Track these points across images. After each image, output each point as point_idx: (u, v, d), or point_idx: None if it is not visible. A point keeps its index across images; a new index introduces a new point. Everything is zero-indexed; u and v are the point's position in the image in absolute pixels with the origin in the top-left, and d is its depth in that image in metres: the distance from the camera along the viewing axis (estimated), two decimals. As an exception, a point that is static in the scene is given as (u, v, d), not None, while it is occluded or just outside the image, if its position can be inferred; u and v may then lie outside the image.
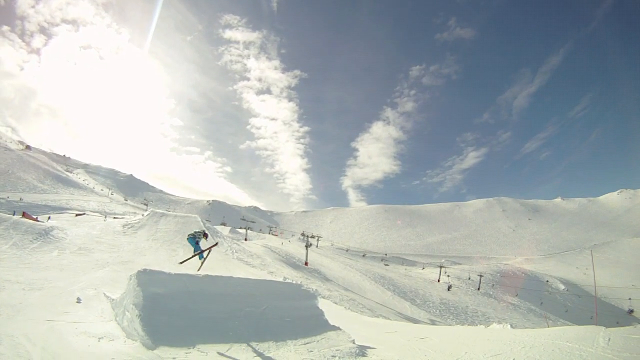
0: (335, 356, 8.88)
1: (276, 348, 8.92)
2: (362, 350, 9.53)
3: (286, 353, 8.74)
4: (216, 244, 17.27)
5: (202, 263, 15.94)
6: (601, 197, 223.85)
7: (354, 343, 9.87)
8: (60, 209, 64.19)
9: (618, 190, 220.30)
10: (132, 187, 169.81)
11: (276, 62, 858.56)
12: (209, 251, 15.89)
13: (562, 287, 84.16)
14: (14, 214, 37.56)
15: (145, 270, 10.14)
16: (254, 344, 8.90)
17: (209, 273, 11.15)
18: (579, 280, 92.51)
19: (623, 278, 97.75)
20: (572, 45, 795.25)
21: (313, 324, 10.79)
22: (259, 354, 8.50)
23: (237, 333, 9.23)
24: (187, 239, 15.97)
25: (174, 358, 7.87)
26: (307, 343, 9.48)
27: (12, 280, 14.99)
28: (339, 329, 10.88)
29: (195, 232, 16.24)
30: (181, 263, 16.62)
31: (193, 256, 15.87)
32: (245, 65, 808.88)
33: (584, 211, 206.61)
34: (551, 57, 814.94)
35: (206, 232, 16.91)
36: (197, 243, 15.71)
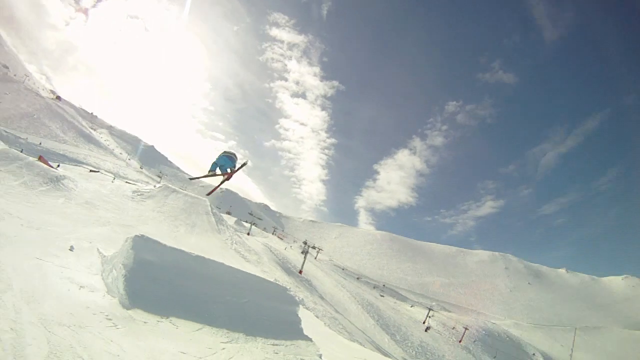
0: (298, 363, 8.95)
1: (245, 341, 9.01)
2: (327, 365, 9.56)
3: (252, 348, 8.83)
4: (245, 163, 14.27)
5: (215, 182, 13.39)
6: (605, 279, 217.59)
7: (320, 358, 9.88)
8: (76, 162, 65.25)
9: (623, 276, 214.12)
10: (150, 158, 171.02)
11: (316, 69, 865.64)
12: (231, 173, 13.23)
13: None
14: (21, 151, 37.89)
15: (142, 236, 10.37)
16: (225, 330, 9.02)
17: (203, 255, 11.27)
18: (561, 359, 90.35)
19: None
20: (610, 112, 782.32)
21: (287, 329, 10.84)
22: (226, 341, 8.62)
23: (212, 316, 9.35)
24: (224, 156, 12.92)
25: (145, 322, 8.05)
26: (276, 345, 9.54)
27: (13, 214, 15.36)
28: (310, 340, 10.90)
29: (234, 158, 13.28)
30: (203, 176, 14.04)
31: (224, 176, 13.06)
32: (286, 65, 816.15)
33: (585, 289, 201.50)
34: (587, 120, 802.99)
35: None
36: (232, 167, 13.10)
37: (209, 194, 14.66)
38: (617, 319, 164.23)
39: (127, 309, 8.46)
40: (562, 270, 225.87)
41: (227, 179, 12.40)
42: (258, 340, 9.29)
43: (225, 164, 12.27)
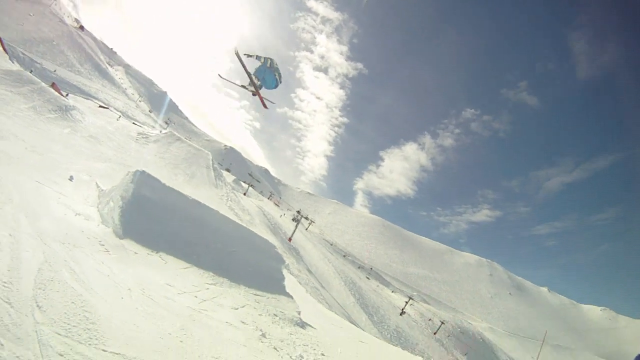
0: (277, 315, 9.23)
1: (229, 286, 9.29)
2: (303, 323, 9.85)
3: (235, 294, 9.11)
4: (272, 102, 11.92)
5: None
6: (584, 306, 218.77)
7: (299, 314, 10.15)
8: (87, 95, 64.94)
9: (602, 307, 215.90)
10: (161, 104, 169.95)
11: (344, 48, 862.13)
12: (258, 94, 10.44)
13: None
14: (31, 72, 37.60)
15: (144, 172, 10.58)
16: (211, 273, 9.28)
17: (199, 200, 11.46)
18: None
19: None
20: (621, 158, 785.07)
21: (271, 284, 11.09)
22: (211, 283, 8.90)
23: (200, 259, 9.61)
24: (274, 77, 10.08)
25: (135, 253, 8.31)
26: (258, 295, 9.82)
27: (18, 136, 15.51)
28: (291, 297, 11.16)
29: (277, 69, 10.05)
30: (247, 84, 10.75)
31: (252, 84, 10.75)
32: (315, 38, 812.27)
33: (563, 311, 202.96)
34: (598, 158, 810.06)
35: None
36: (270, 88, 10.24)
37: (225, 79, 12.27)
38: (589, 346, 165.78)
39: (120, 238, 8.72)
40: (544, 289, 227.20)
41: (253, 93, 10.65)
42: (241, 288, 9.57)
43: (267, 83, 10.39)
